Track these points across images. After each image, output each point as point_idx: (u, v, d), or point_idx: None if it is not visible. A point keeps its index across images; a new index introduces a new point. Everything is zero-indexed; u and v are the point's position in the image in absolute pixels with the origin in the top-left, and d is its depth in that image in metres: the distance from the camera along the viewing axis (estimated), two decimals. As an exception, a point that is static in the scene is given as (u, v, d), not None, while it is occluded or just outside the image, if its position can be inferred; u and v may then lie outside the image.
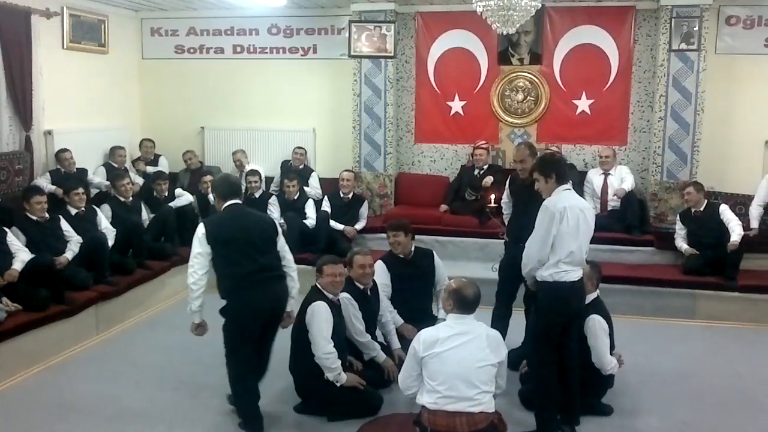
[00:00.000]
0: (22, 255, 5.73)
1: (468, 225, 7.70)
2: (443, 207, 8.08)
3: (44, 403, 4.84)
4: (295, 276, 4.51)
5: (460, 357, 3.72)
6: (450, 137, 8.65)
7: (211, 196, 4.38)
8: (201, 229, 4.24)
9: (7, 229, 5.84)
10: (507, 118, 8.44)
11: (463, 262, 7.27)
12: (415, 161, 8.85)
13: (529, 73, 8.34)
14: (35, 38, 7.32)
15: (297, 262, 6.99)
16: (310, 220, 7.69)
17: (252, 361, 4.39)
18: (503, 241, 5.63)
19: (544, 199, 4.28)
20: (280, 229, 4.50)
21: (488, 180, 7.73)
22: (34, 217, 6.13)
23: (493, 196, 6.82)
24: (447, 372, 3.70)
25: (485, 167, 8.02)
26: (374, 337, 5.01)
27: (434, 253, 5.66)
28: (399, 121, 8.71)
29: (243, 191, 8.11)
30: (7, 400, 4.90)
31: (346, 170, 8.05)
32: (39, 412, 4.71)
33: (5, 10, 6.90)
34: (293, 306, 4.55)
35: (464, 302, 3.89)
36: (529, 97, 8.37)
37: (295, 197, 7.86)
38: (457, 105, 8.56)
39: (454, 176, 8.45)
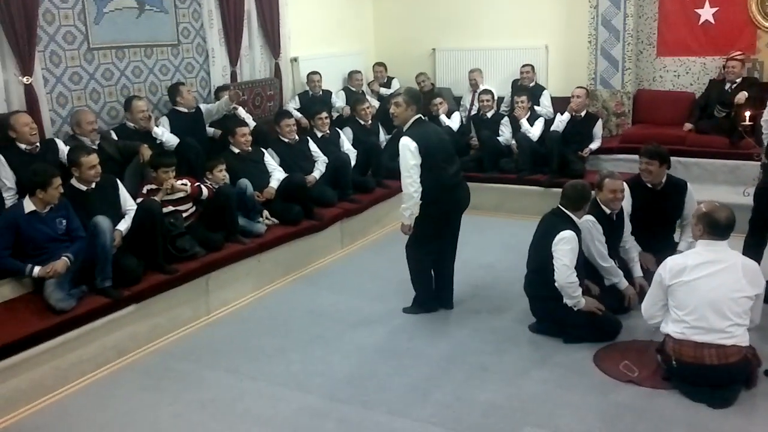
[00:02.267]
0: (277, 174, 6.30)
1: (716, 145, 7.09)
2: (688, 125, 7.48)
3: (299, 309, 5.37)
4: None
5: (713, 286, 3.51)
6: (698, 49, 7.90)
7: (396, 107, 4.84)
8: (412, 144, 4.66)
9: (264, 150, 6.41)
10: (767, 24, 7.52)
11: (710, 185, 6.74)
12: (657, 77, 8.23)
13: (798, -30, 7.30)
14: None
15: (529, 183, 7.17)
16: (538, 138, 7.52)
17: (436, 253, 5.04)
18: (759, 162, 5.14)
19: None
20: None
21: (742, 95, 6.96)
22: (286, 139, 6.66)
23: (747, 113, 6.19)
24: (697, 301, 3.52)
25: (739, 81, 7.23)
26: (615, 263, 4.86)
27: (688, 186, 5.13)
28: (639, 33, 8.12)
29: (475, 111, 8.21)
30: (269, 303, 5.52)
31: (578, 86, 7.69)
32: (295, 317, 5.23)
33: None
34: None
35: (716, 227, 3.65)
36: (795, 0, 7.37)
37: (526, 117, 7.71)
38: (707, 12, 7.76)
39: (700, 92, 7.76)
